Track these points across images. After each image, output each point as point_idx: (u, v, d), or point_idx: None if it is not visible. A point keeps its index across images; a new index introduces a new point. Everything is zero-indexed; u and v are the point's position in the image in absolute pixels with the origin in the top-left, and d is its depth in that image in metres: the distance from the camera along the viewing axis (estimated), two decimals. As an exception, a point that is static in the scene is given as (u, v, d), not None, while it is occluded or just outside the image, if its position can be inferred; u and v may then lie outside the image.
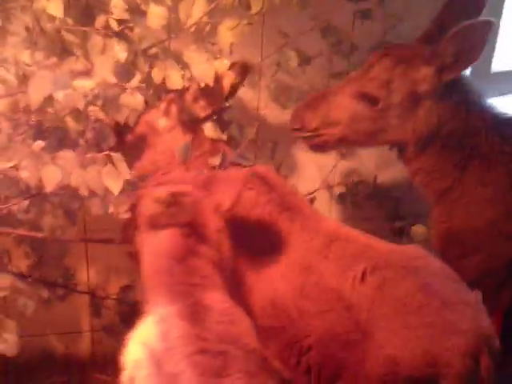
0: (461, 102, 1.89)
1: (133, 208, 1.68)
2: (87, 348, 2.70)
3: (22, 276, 2.03)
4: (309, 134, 1.95)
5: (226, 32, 1.70)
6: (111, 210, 1.76)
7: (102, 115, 1.78)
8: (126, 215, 1.72)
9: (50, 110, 1.77)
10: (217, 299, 1.51)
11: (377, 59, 1.87)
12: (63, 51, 1.81)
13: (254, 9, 1.70)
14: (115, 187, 1.68)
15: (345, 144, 2.05)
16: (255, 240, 1.80)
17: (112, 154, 1.69)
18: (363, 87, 1.86)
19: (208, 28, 1.71)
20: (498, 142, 1.93)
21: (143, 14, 1.69)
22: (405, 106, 1.86)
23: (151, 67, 1.73)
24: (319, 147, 2.01)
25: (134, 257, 1.68)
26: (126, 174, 1.69)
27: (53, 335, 2.62)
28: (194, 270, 1.53)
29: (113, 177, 1.68)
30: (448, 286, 1.61)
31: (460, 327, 1.53)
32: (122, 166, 1.69)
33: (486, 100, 1.97)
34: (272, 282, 1.75)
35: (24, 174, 1.71)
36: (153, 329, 1.41)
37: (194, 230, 1.56)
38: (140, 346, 1.39)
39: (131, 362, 1.39)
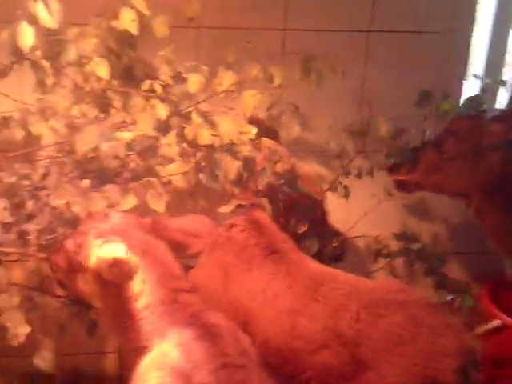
0: None
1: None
2: (114, 368, 2.94)
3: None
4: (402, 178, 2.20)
5: (249, 98, 2.02)
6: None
7: (138, 160, 2.09)
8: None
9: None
10: (218, 317, 1.70)
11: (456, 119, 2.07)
12: (107, 107, 2.11)
13: (276, 82, 2.03)
14: (160, 207, 1.98)
15: (422, 189, 2.30)
16: (243, 283, 2.03)
17: (152, 179, 1.98)
18: (437, 138, 2.08)
19: (235, 95, 2.03)
20: None
21: (183, 80, 1.99)
22: (469, 157, 2.02)
23: (184, 125, 2.03)
24: (405, 187, 2.26)
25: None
26: (166, 196, 1.98)
27: (83, 355, 2.84)
28: (187, 303, 1.69)
29: (156, 198, 1.98)
30: (431, 313, 1.86)
31: (448, 349, 1.79)
32: (162, 189, 1.98)
33: None
34: (262, 325, 1.95)
35: (76, 209, 2.02)
36: (174, 353, 1.58)
37: (168, 272, 1.72)
38: (161, 370, 1.55)
39: None
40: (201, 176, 2.08)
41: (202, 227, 1.90)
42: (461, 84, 2.66)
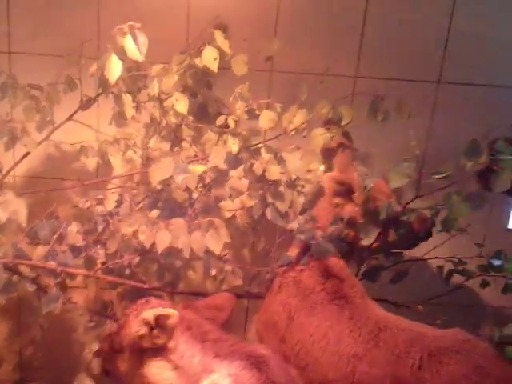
0: None
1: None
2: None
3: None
4: None
5: (318, 137, 2.08)
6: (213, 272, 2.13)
7: (208, 193, 2.16)
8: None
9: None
10: (261, 348, 1.77)
11: None
12: (180, 141, 2.21)
13: (345, 121, 2.09)
14: (216, 248, 2.04)
15: None
16: (305, 327, 2.04)
17: (214, 219, 2.05)
18: None
19: (305, 133, 2.09)
20: None
21: (256, 116, 2.08)
22: None
23: (254, 161, 2.09)
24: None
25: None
26: (226, 237, 2.04)
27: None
28: (220, 338, 1.77)
29: (215, 239, 2.04)
30: (496, 366, 1.82)
31: None
32: (223, 230, 2.04)
33: None
34: (321, 369, 1.97)
35: (142, 237, 2.09)
36: (225, 382, 1.65)
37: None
38: None
39: None
40: (267, 211, 2.13)
41: (224, 301, 1.96)
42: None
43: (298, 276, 2.15)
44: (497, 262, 2.30)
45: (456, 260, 2.37)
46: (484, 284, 2.36)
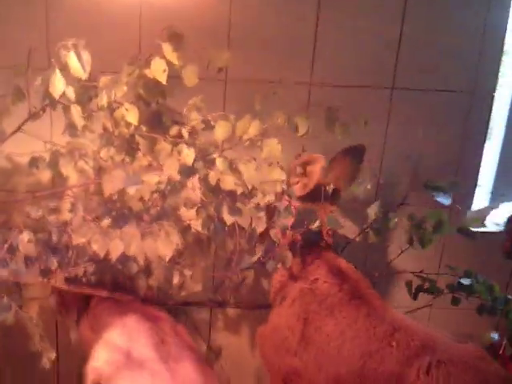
0: None
1: None
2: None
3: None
4: None
5: (274, 146, 2.07)
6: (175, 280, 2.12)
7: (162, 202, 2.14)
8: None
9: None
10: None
11: None
12: (134, 151, 2.17)
13: (301, 131, 2.08)
14: (167, 253, 2.02)
15: None
16: (322, 328, 2.08)
17: (164, 223, 2.03)
18: None
19: (259, 143, 2.08)
20: None
21: (211, 127, 2.07)
22: None
23: (209, 170, 2.08)
24: None
25: None
26: (178, 241, 2.03)
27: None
28: None
29: (165, 244, 2.02)
30: None
31: None
32: (174, 235, 2.03)
33: None
34: (336, 365, 1.99)
35: (94, 247, 2.07)
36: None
37: None
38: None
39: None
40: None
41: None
42: (482, 143, 2.71)
43: (313, 285, 2.15)
44: (466, 282, 2.30)
45: (424, 276, 2.37)
46: (455, 301, 2.36)
